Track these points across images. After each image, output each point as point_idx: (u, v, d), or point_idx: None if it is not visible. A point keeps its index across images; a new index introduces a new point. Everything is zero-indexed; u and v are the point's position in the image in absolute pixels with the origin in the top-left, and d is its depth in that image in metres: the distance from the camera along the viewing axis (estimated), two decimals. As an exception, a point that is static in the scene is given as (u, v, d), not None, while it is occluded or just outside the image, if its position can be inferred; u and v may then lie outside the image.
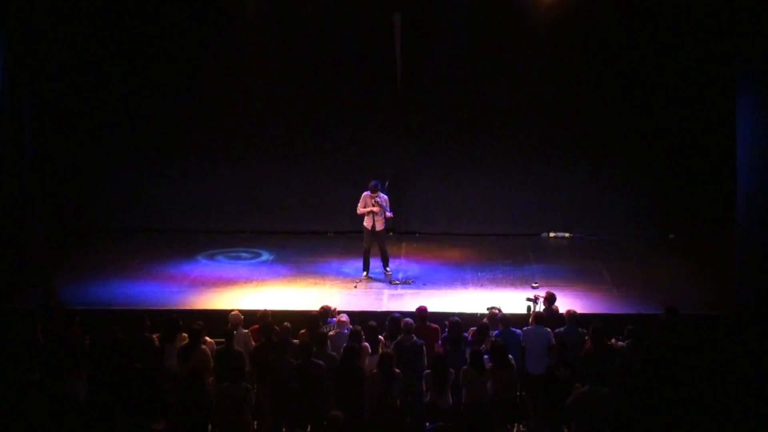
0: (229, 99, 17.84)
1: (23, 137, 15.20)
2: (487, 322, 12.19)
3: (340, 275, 15.89)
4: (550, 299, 12.77)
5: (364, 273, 15.55)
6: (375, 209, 15.21)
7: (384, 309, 14.10)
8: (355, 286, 15.23)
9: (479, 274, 16.02)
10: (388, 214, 15.31)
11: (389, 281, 15.42)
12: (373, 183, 15.32)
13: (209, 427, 10.79)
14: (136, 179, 18.07)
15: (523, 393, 11.72)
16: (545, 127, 17.77)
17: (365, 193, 15.33)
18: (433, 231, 18.22)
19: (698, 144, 17.24)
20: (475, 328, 12.03)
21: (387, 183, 15.75)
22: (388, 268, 15.67)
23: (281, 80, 17.74)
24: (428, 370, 11.17)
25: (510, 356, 11.17)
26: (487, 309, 12.84)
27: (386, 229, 15.74)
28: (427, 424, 10.75)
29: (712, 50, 16.33)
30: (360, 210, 15.38)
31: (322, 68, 17.72)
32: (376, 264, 15.68)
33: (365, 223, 15.36)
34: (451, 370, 11.00)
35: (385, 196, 15.35)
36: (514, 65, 17.54)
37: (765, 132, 13.54)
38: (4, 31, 14.58)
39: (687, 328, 12.29)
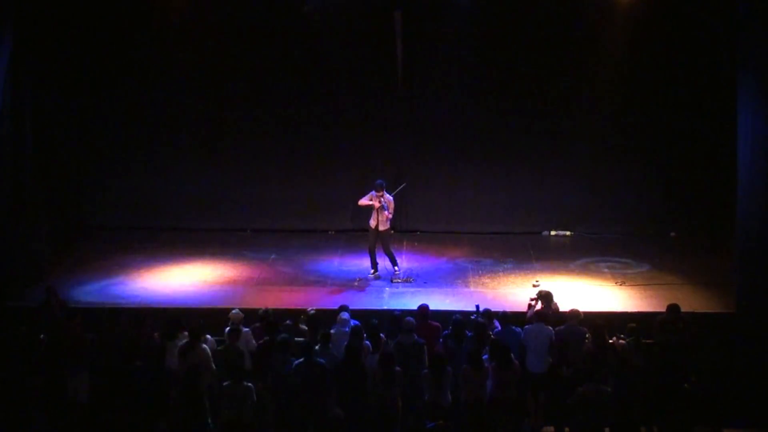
0: (230, 98, 17.84)
1: (24, 136, 15.18)
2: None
3: (341, 273, 15.88)
4: (546, 297, 12.76)
5: (372, 271, 15.56)
6: (375, 204, 15.20)
7: (385, 307, 14.08)
8: (356, 284, 15.26)
9: (480, 272, 16.02)
10: (386, 213, 15.26)
11: (390, 279, 15.42)
12: (378, 182, 15.32)
13: (207, 425, 10.78)
14: (137, 178, 18.05)
15: (525, 391, 11.71)
16: (546, 125, 17.74)
17: (372, 192, 15.33)
18: (434, 229, 18.21)
19: (699, 142, 17.25)
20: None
21: (404, 185, 15.81)
22: (396, 267, 15.62)
23: (282, 79, 17.72)
24: (427, 369, 11.17)
25: (512, 355, 11.18)
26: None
27: (391, 229, 15.67)
28: (428, 422, 10.75)
29: (713, 49, 16.31)
30: (361, 201, 15.40)
31: (323, 67, 17.71)
32: (384, 262, 15.62)
33: (370, 222, 15.37)
34: (449, 368, 11.00)
35: (390, 198, 15.33)
36: (515, 64, 17.52)
37: (766, 131, 13.52)
38: (6, 31, 14.56)
39: (688, 326, 12.29)
